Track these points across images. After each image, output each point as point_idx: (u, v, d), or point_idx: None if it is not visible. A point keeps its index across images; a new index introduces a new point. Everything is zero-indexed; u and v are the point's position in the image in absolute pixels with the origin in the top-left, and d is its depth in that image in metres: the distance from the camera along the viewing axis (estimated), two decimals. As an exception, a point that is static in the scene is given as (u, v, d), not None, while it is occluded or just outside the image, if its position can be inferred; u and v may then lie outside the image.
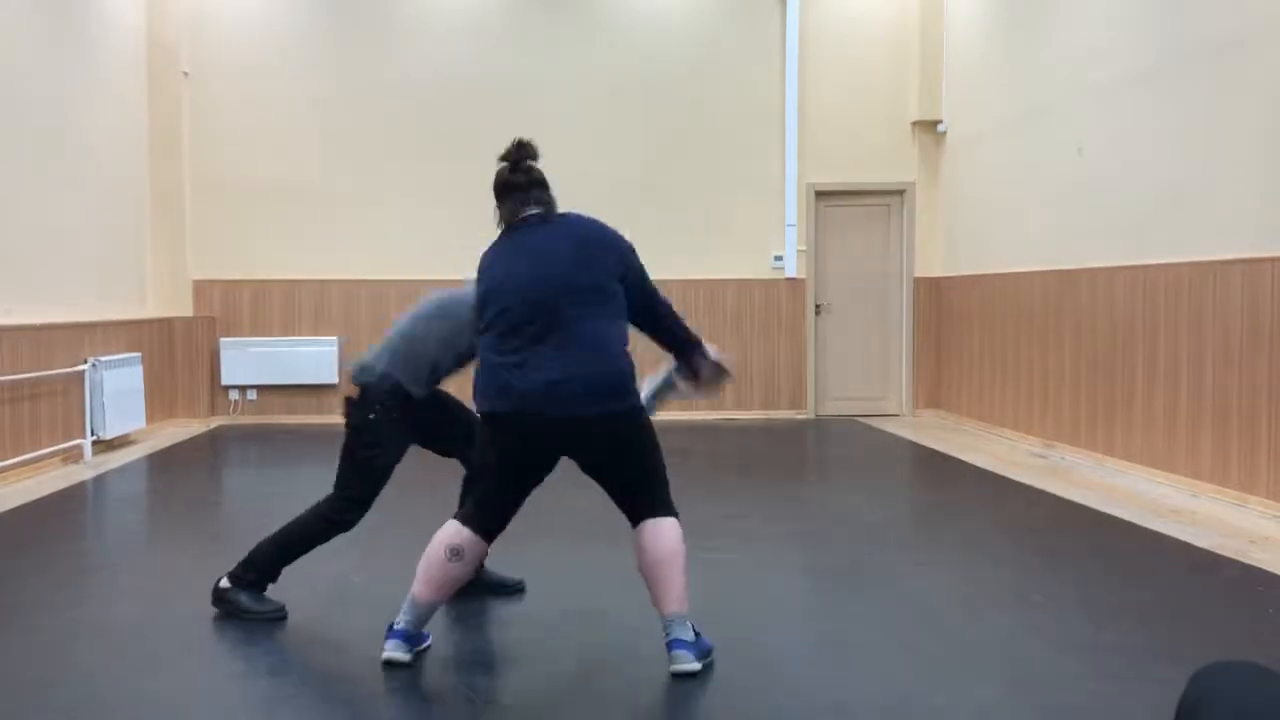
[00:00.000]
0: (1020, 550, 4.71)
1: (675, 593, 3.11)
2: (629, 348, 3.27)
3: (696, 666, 3.09)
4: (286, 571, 4.31)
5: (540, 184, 3.51)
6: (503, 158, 3.46)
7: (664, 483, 3.24)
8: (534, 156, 3.50)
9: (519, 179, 3.45)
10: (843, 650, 3.39)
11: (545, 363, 3.09)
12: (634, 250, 3.51)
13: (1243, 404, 5.52)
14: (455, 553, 3.22)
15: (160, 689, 3.03)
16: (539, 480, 3.28)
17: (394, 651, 3.15)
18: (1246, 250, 5.50)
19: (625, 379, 3.21)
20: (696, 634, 3.16)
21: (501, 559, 3.99)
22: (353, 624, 3.63)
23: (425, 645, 3.32)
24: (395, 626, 3.19)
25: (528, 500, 3.31)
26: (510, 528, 3.34)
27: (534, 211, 3.46)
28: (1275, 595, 3.95)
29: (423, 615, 3.23)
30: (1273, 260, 5.31)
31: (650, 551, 3.12)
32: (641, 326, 3.50)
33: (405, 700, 2.96)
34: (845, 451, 7.83)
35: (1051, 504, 5.68)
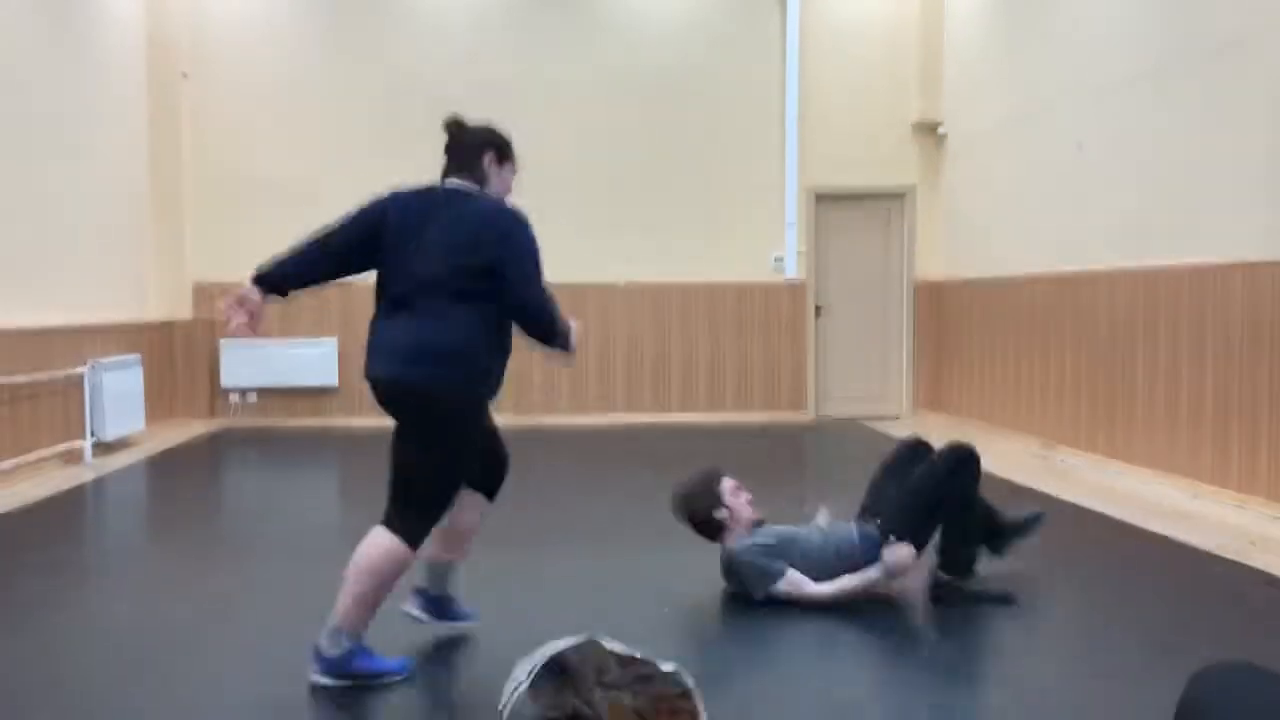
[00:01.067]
0: (1020, 551, 4.70)
1: (343, 602, 3.06)
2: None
3: (316, 677, 3.03)
4: (286, 575, 4.32)
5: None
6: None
7: (402, 500, 3.08)
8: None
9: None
10: (843, 650, 3.39)
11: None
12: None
13: (1243, 406, 5.52)
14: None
15: (159, 690, 3.03)
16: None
17: (411, 610, 3.46)
18: (1247, 253, 5.50)
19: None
20: (350, 652, 3.04)
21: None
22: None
23: (466, 620, 3.54)
24: (415, 589, 3.48)
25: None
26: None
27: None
28: (1275, 595, 3.95)
29: (434, 575, 3.47)
30: (1273, 263, 5.30)
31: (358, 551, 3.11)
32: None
33: (405, 700, 2.96)
34: (846, 453, 7.82)
35: (1052, 505, 5.67)
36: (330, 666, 3.03)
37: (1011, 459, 7.12)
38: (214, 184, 9.35)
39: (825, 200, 9.80)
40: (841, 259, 9.88)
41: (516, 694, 2.60)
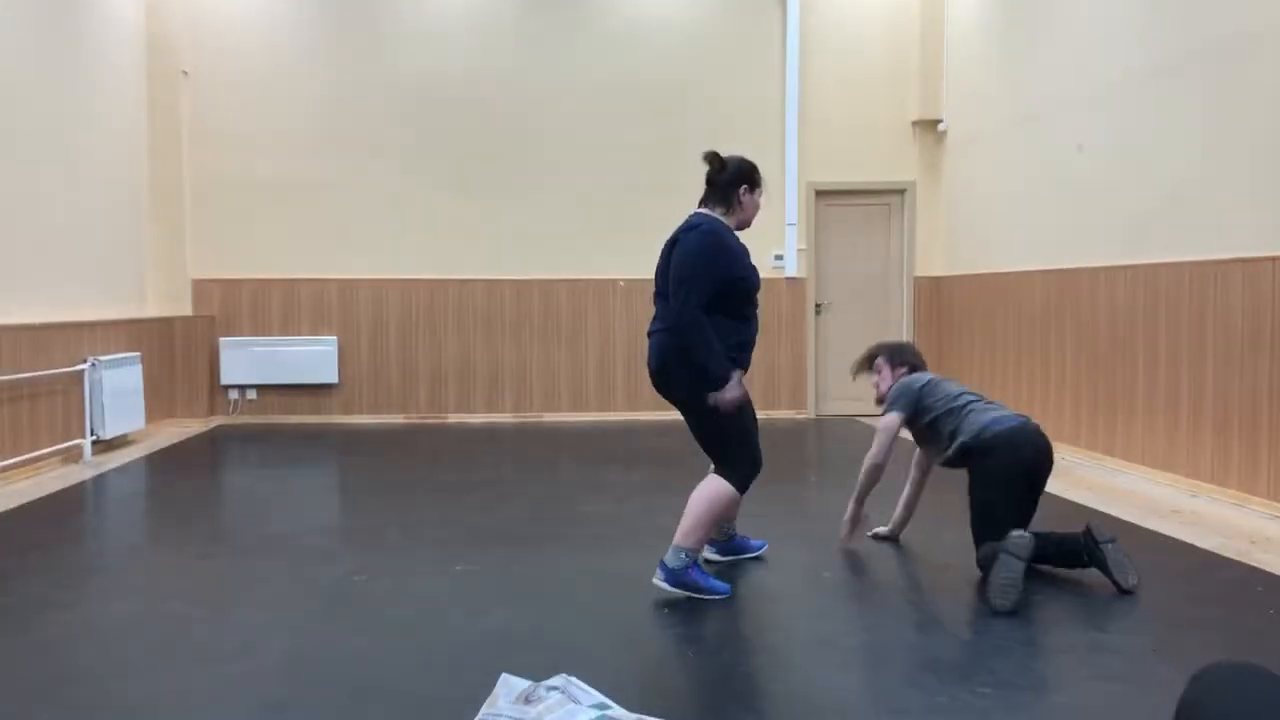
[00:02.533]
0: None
1: (682, 524, 3.88)
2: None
3: (658, 582, 3.88)
4: (287, 573, 4.32)
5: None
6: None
7: (725, 443, 3.97)
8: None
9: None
10: (843, 650, 3.39)
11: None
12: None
13: (1244, 404, 5.52)
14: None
15: (160, 689, 3.03)
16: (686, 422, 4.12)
17: (706, 552, 4.36)
18: (1247, 249, 5.50)
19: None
20: (689, 565, 3.84)
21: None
22: (355, 624, 3.63)
23: (754, 551, 4.50)
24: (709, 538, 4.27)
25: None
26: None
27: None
28: (1276, 596, 3.95)
29: (717, 528, 4.35)
30: (1273, 259, 5.30)
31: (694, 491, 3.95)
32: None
33: (405, 701, 2.95)
34: (845, 451, 7.82)
35: (1052, 504, 5.67)
36: (670, 575, 3.87)
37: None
38: (213, 182, 9.34)
39: (825, 197, 9.80)
40: (841, 256, 9.88)
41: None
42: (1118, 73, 6.73)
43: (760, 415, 9.63)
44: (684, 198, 9.70)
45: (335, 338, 9.42)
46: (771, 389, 9.78)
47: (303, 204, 9.41)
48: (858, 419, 9.61)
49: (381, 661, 3.24)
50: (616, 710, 2.60)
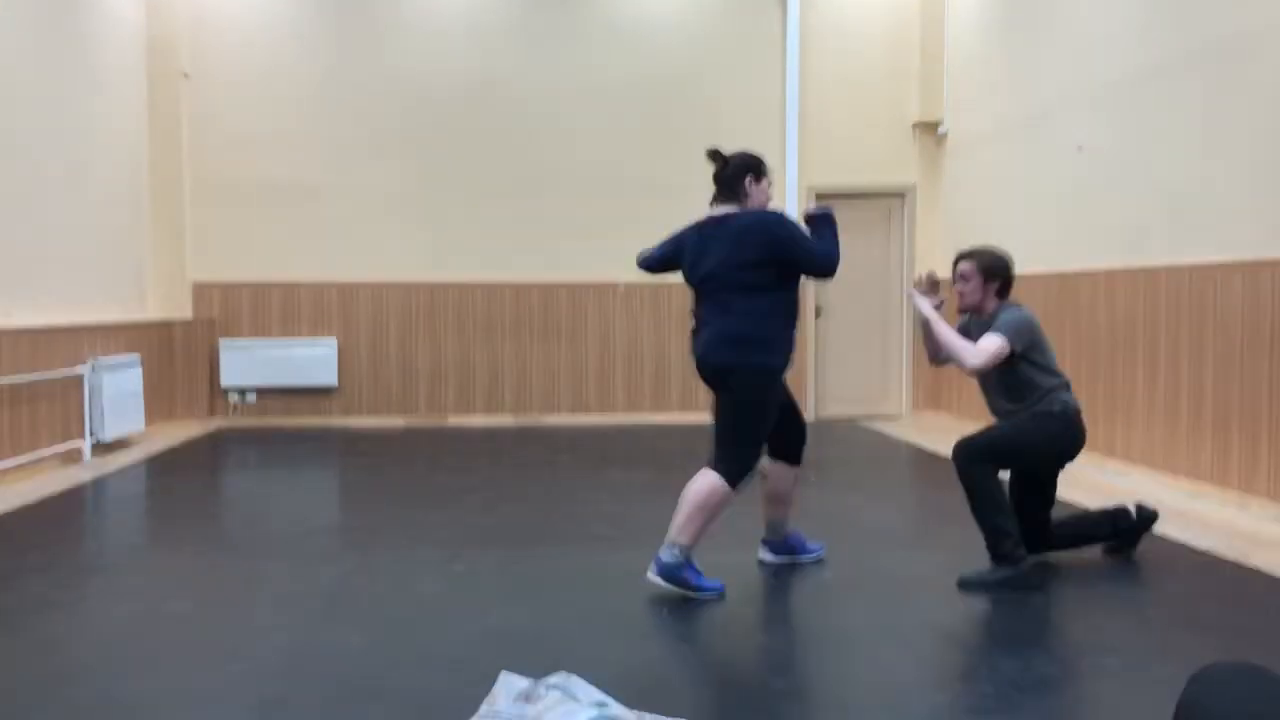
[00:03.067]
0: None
1: (675, 519, 3.91)
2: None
3: (652, 576, 3.90)
4: (287, 573, 4.32)
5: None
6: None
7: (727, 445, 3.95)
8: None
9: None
10: (843, 649, 3.39)
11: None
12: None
13: (1243, 406, 5.52)
14: (760, 475, 4.27)
15: (159, 690, 3.03)
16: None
17: (761, 555, 4.43)
18: (1247, 252, 5.50)
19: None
20: (682, 562, 3.88)
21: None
22: (355, 624, 3.63)
23: (810, 554, 4.43)
24: (763, 538, 4.44)
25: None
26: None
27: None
28: (1276, 596, 3.95)
29: (771, 527, 4.41)
30: (1273, 263, 5.30)
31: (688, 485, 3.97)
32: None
33: (405, 701, 2.95)
34: (845, 453, 7.82)
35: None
36: (663, 569, 3.90)
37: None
38: (214, 184, 9.35)
39: (825, 199, 9.80)
40: (841, 259, 9.85)
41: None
42: (1118, 73, 6.74)
43: (760, 417, 9.67)
44: (684, 198, 9.69)
45: (335, 340, 9.42)
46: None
47: (303, 205, 9.42)
48: (858, 421, 9.61)
49: (381, 661, 3.24)
50: (616, 708, 2.60)
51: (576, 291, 9.66)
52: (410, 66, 9.48)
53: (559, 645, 3.38)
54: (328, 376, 9.36)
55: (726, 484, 3.90)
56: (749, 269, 4.01)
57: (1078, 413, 4.28)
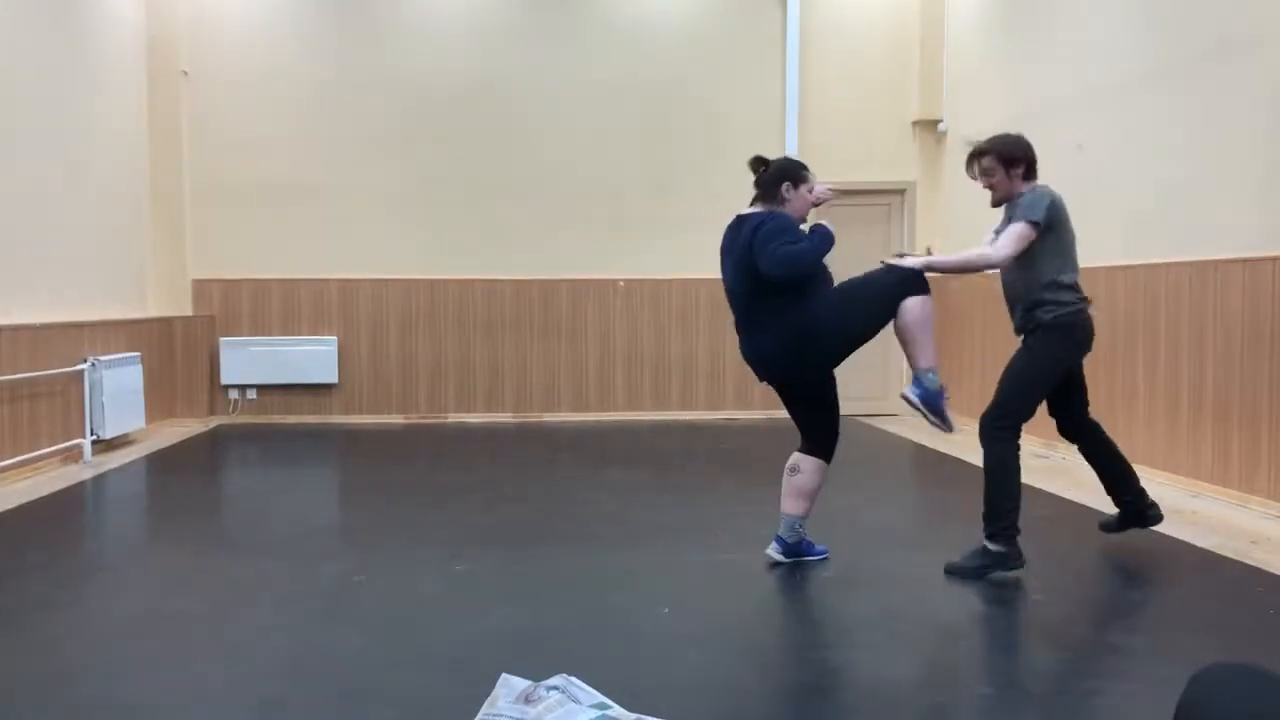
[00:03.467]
0: (1021, 550, 4.71)
1: (919, 352, 4.28)
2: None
3: (773, 554, 4.23)
4: (287, 573, 4.32)
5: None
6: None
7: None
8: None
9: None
10: (842, 649, 3.39)
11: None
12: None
13: (1243, 403, 5.52)
14: (792, 469, 4.33)
15: (160, 689, 3.03)
16: (799, 403, 4.42)
17: (770, 552, 4.37)
18: (1247, 250, 5.49)
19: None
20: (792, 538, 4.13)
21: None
22: (355, 624, 3.63)
23: (817, 556, 4.39)
24: (777, 534, 4.36)
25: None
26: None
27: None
28: (1275, 595, 3.95)
29: (787, 524, 4.34)
30: (1274, 259, 5.30)
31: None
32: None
33: (405, 701, 2.96)
34: (845, 451, 7.77)
35: (1052, 503, 5.68)
36: (787, 548, 4.25)
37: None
38: (213, 182, 9.34)
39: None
40: (841, 256, 9.83)
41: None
42: (1117, 73, 6.73)
43: (761, 416, 9.69)
44: (684, 198, 9.73)
45: (335, 338, 9.42)
46: (772, 389, 9.76)
47: (303, 204, 9.41)
48: (858, 418, 9.61)
49: (381, 661, 3.24)
50: (616, 710, 2.60)
51: (576, 289, 9.66)
52: (410, 66, 9.47)
53: (559, 645, 3.38)
54: (328, 374, 9.36)
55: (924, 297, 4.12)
56: (753, 275, 4.09)
57: (1079, 314, 4.23)
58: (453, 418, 9.57)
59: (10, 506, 5.67)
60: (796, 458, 4.34)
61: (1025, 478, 6.31)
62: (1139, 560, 4.51)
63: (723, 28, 9.66)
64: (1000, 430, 4.15)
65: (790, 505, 4.34)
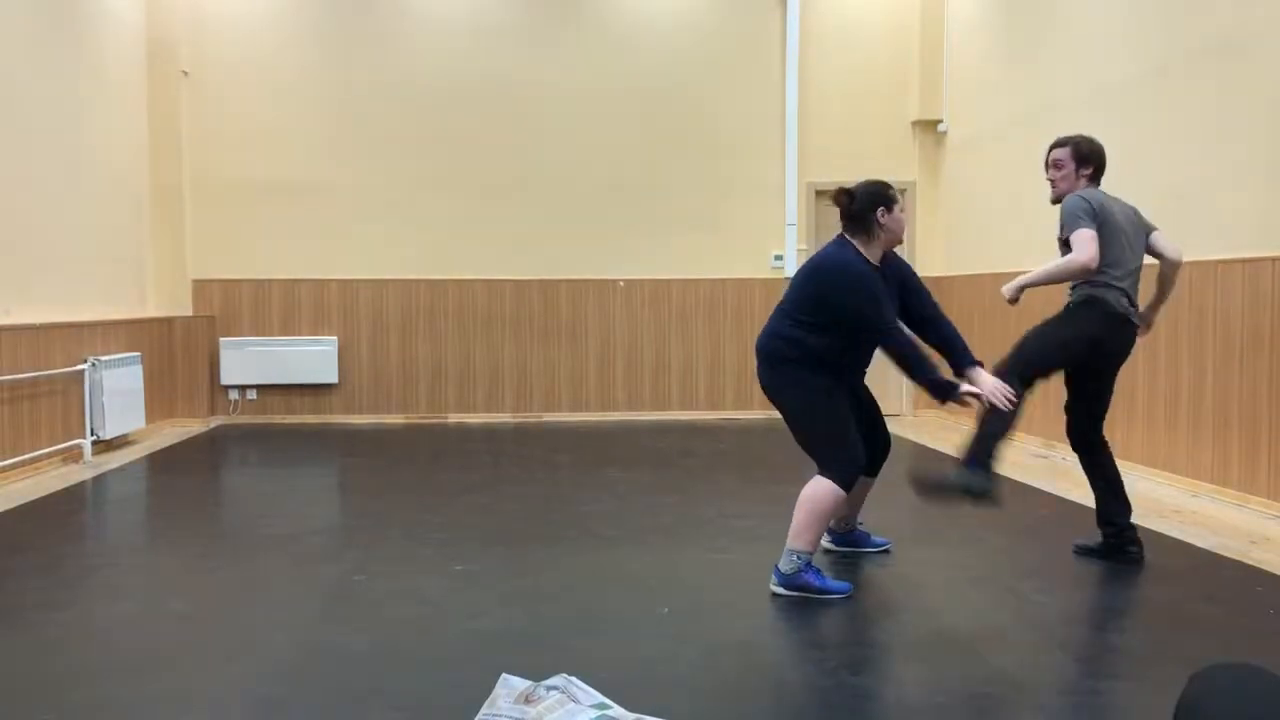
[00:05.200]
0: (1021, 550, 4.71)
1: (791, 527, 3.93)
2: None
3: (774, 587, 3.95)
4: (287, 573, 4.32)
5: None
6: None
7: (818, 447, 3.98)
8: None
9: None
10: (842, 649, 3.39)
11: None
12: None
13: (1243, 404, 5.52)
14: None
15: (160, 690, 3.03)
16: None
17: (823, 541, 4.49)
18: (1248, 250, 5.50)
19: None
20: (801, 568, 3.91)
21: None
22: (355, 623, 3.63)
23: (875, 548, 4.56)
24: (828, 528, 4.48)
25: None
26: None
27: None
28: (1275, 595, 3.95)
29: (837, 519, 4.49)
30: (1274, 260, 5.30)
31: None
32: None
33: (405, 701, 2.96)
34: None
35: (1052, 504, 5.68)
36: (784, 579, 3.93)
37: (1012, 458, 7.12)
38: (214, 182, 9.34)
39: (825, 197, 9.79)
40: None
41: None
42: (1118, 73, 6.73)
43: (759, 416, 9.69)
44: (684, 197, 9.74)
45: (335, 338, 9.42)
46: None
47: (303, 204, 9.42)
48: (858, 419, 9.60)
49: (381, 661, 3.24)
50: (616, 710, 2.60)
51: (576, 289, 9.66)
52: (411, 66, 9.47)
53: (559, 645, 3.38)
54: (328, 374, 9.36)
55: (837, 486, 3.91)
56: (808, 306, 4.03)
57: (1117, 307, 4.21)
58: (453, 418, 9.57)
59: (10, 506, 5.67)
60: None
61: (1026, 478, 6.34)
62: (1139, 560, 4.50)
63: (723, 28, 9.67)
64: (1004, 378, 4.13)
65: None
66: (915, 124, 9.72)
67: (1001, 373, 4.18)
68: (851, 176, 9.66)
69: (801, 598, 3.90)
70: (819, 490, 3.89)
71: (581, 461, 7.23)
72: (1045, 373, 4.28)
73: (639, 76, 9.61)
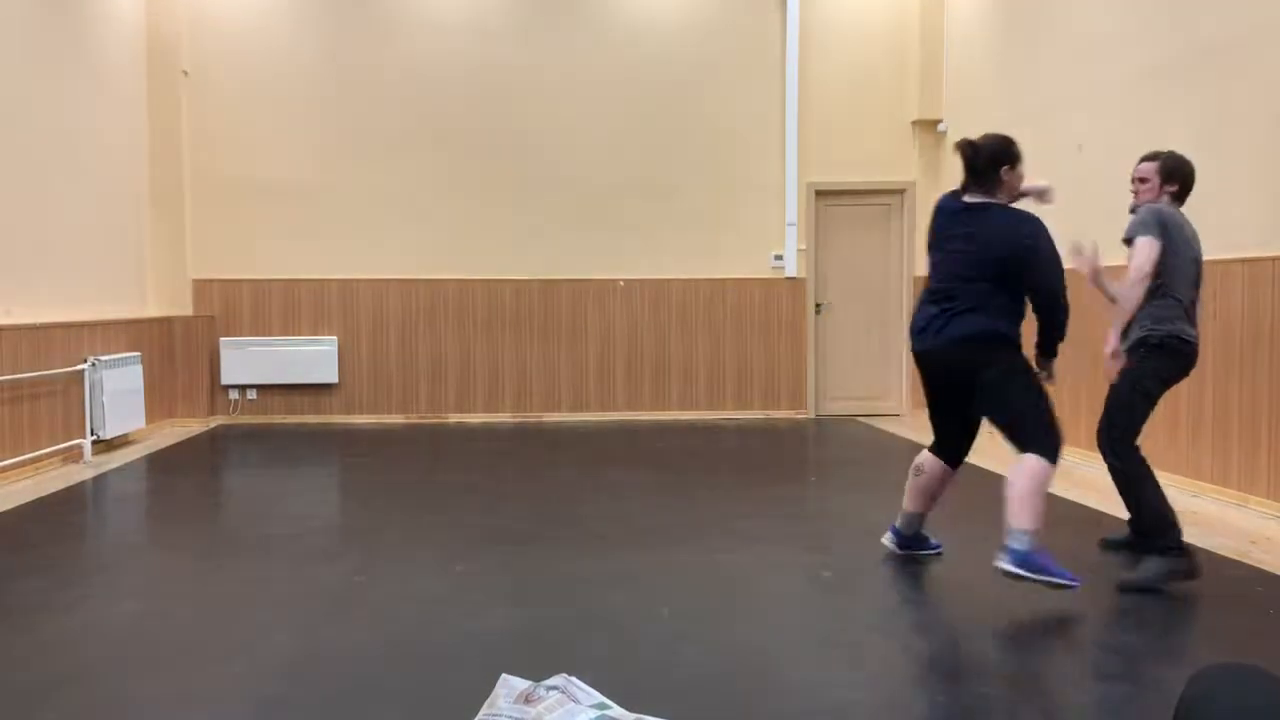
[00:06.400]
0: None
1: (1011, 510, 3.81)
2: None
3: (1006, 565, 3.77)
4: (287, 573, 4.32)
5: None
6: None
7: (1030, 420, 3.92)
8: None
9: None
10: (842, 650, 3.39)
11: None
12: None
13: (1243, 404, 5.52)
14: (917, 470, 4.37)
15: (160, 690, 3.03)
16: (956, 410, 4.27)
17: (885, 540, 4.52)
18: (1248, 250, 5.49)
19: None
20: (1034, 548, 3.76)
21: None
22: (356, 624, 3.63)
23: (932, 550, 4.51)
24: (893, 525, 4.50)
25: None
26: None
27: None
28: (1275, 595, 3.95)
29: (907, 520, 4.44)
30: (1273, 259, 5.30)
31: (1007, 479, 3.89)
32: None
33: (405, 701, 2.96)
34: (845, 451, 7.82)
35: (1052, 504, 5.67)
36: (1018, 557, 3.77)
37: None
38: (214, 182, 9.35)
39: (825, 197, 9.80)
40: (841, 256, 9.88)
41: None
42: (1118, 73, 6.73)
43: (759, 415, 9.70)
44: (684, 197, 9.74)
45: (335, 338, 9.42)
46: (771, 389, 9.78)
47: (303, 204, 9.42)
48: (857, 419, 9.61)
49: (381, 661, 3.24)
50: (616, 710, 2.60)
51: (576, 289, 9.66)
52: (411, 66, 9.47)
53: (559, 645, 3.38)
54: (328, 374, 9.37)
55: (1047, 461, 3.89)
56: (989, 266, 4.00)
57: (1187, 338, 4.19)
58: (453, 418, 9.57)
59: (10, 506, 5.68)
60: (922, 458, 4.39)
61: (1025, 478, 6.33)
62: (1139, 561, 4.50)
63: (723, 28, 9.67)
64: (1109, 448, 4.13)
65: (912, 504, 4.41)
66: (915, 124, 9.72)
67: (1103, 442, 4.16)
68: (852, 176, 9.77)
69: (801, 598, 3.90)
70: (1036, 468, 3.84)
71: (581, 461, 7.23)
72: (1139, 424, 4.21)
73: (639, 76, 9.61)
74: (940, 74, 9.55)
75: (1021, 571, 3.75)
